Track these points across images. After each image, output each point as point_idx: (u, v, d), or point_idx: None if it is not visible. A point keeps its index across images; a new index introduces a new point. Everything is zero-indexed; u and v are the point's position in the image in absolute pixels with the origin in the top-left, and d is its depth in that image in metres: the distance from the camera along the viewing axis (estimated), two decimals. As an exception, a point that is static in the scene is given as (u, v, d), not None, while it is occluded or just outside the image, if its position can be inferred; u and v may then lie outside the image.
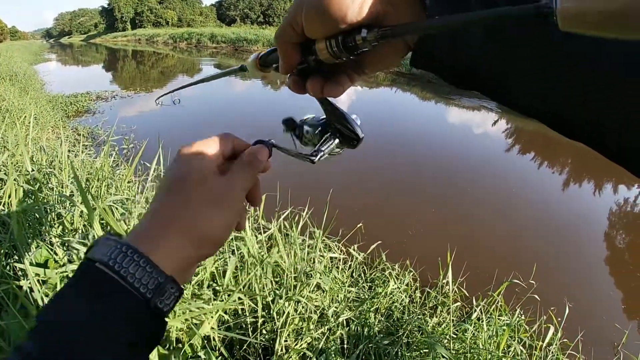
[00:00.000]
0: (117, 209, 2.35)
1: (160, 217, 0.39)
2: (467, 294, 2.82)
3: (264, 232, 2.60)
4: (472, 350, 2.12)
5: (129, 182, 3.11)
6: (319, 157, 0.52)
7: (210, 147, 0.44)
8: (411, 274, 2.88)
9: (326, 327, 2.14)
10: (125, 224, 2.23)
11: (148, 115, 8.77)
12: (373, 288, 2.68)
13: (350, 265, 2.83)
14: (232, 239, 2.35)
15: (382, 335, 2.24)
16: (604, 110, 0.31)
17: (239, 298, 2.01)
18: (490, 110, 10.77)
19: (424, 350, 2.11)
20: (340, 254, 2.83)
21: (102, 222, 2.05)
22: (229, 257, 2.14)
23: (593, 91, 0.31)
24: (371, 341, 2.17)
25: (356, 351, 2.07)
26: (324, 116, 0.55)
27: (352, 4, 0.35)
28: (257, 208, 2.69)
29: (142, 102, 10.19)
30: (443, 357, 1.98)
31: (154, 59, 22.69)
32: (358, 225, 3.11)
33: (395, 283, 2.67)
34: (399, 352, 2.12)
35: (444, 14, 0.34)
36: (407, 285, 2.75)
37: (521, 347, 2.30)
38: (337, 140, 0.53)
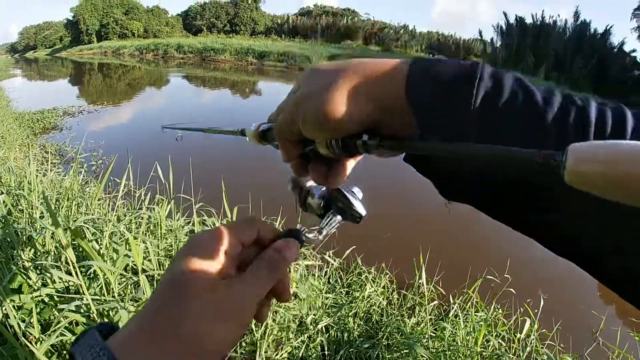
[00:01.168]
0: (88, 229, 2.31)
1: (152, 329, 0.33)
2: (443, 292, 2.86)
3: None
4: (451, 348, 2.16)
5: (99, 199, 3.07)
6: (323, 235, 0.51)
7: (225, 239, 0.39)
8: (387, 276, 2.92)
9: (306, 335, 2.15)
10: (98, 244, 2.21)
11: (116, 129, 8.69)
12: (350, 293, 2.71)
13: (326, 271, 2.86)
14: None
15: (362, 339, 2.26)
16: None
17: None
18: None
19: (404, 351, 2.14)
20: (315, 261, 2.85)
21: (75, 243, 2.02)
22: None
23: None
24: (352, 346, 2.18)
25: (337, 357, 2.09)
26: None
27: (350, 115, 0.35)
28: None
29: (109, 116, 10.09)
30: (423, 356, 2.01)
31: (120, 71, 22.31)
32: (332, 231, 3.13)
33: (372, 286, 2.70)
34: (380, 355, 2.14)
35: (434, 133, 0.34)
36: (383, 287, 2.78)
37: (500, 341, 2.35)
38: (339, 218, 0.52)
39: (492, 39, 31.12)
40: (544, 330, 2.53)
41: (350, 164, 0.44)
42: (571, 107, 0.30)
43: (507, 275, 2.86)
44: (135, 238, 2.23)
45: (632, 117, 0.30)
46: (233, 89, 15.91)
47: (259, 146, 0.51)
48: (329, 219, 0.51)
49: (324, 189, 0.54)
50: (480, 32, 40.15)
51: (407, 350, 2.12)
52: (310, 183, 0.55)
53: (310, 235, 0.49)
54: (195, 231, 2.40)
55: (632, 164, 0.20)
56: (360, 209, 0.50)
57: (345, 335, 2.28)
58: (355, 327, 2.35)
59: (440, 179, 0.39)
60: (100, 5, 35.59)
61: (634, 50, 30.26)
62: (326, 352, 2.16)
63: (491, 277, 2.68)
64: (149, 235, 2.62)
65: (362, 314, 2.48)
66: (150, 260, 2.22)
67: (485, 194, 0.37)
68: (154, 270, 2.18)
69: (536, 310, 2.48)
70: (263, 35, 36.23)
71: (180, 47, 23.96)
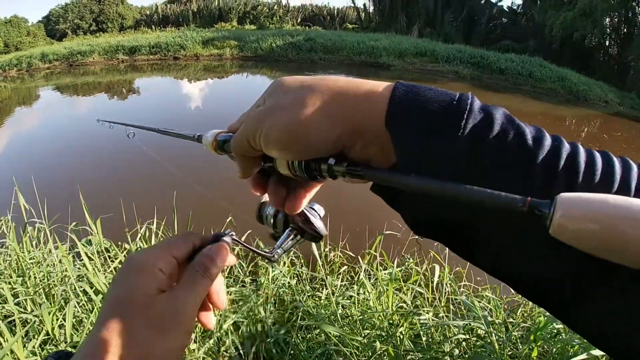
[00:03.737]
0: None
1: (98, 349, 0.33)
2: (352, 255, 2.79)
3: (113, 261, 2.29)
4: (365, 315, 2.06)
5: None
6: (278, 255, 0.49)
7: (161, 255, 0.39)
8: (291, 252, 2.75)
9: (211, 341, 1.94)
10: None
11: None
12: (257, 280, 2.51)
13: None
14: (75, 279, 2.02)
15: (277, 326, 2.12)
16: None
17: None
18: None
19: (317, 331, 2.02)
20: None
21: None
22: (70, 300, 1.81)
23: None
24: (268, 336, 2.03)
25: (253, 351, 1.94)
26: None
27: (318, 136, 0.33)
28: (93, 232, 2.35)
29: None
30: (332, 334, 1.88)
31: (-16, 97, 19.71)
32: (228, 219, 2.89)
33: (277, 267, 2.53)
34: (299, 337, 2.01)
35: (414, 166, 0.31)
36: (291, 264, 2.62)
37: (419, 289, 2.29)
38: (298, 237, 0.49)
39: (364, 5, 32.07)
40: (458, 268, 2.52)
41: (313, 189, 0.42)
42: (562, 150, 0.29)
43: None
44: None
45: (619, 163, 0.29)
46: (109, 92, 14.70)
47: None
48: (287, 238, 0.49)
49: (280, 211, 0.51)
50: (352, 0, 41.10)
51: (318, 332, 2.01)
52: (268, 209, 0.52)
53: (267, 254, 0.48)
54: (60, 257, 2.07)
55: (627, 225, 0.20)
56: (321, 229, 0.48)
57: (259, 326, 2.11)
58: (267, 315, 2.18)
59: (412, 216, 0.36)
60: (-46, 25, 31.24)
61: (500, 0, 32.72)
62: (241, 351, 1.97)
63: (390, 232, 2.61)
64: (11, 274, 2.24)
65: (273, 299, 2.31)
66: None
67: (463, 241, 0.34)
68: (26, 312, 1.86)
69: (446, 251, 2.46)
70: (133, 30, 34.22)
71: (45, 56, 21.54)
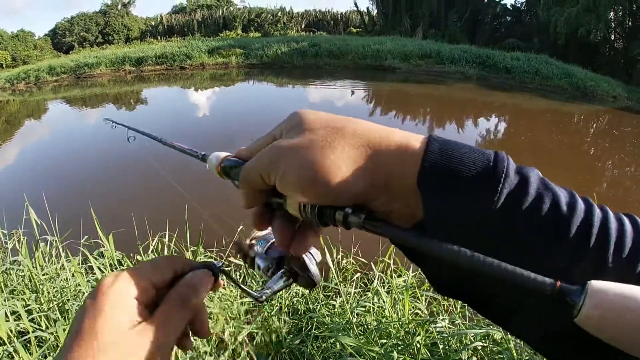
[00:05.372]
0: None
1: None
2: (364, 261, 2.77)
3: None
4: (380, 325, 2.04)
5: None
6: (267, 296, 0.45)
7: (138, 281, 0.35)
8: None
9: (227, 354, 1.93)
10: None
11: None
12: (269, 290, 2.50)
13: (237, 275, 2.62)
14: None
15: (292, 336, 2.11)
16: None
17: None
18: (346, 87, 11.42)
19: (331, 341, 2.01)
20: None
21: None
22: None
23: None
24: (282, 346, 2.02)
25: None
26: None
27: (342, 187, 0.31)
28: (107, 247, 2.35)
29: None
30: (349, 345, 1.87)
31: (-5, 109, 19.92)
32: (239, 228, 2.89)
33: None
34: (314, 346, 1.99)
35: (443, 227, 0.30)
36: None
37: (433, 296, 2.27)
38: (290, 281, 0.46)
39: (367, 9, 32.10)
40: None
41: (315, 236, 0.39)
42: (594, 219, 0.28)
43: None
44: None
45: None
46: (117, 103, 14.82)
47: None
48: (279, 280, 0.46)
49: (272, 249, 0.48)
50: (355, 4, 41.28)
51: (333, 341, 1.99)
52: (256, 248, 0.49)
53: (255, 294, 0.44)
54: (72, 271, 2.08)
55: None
56: (317, 276, 0.45)
57: (274, 336, 2.10)
58: (282, 325, 2.17)
59: (435, 275, 0.35)
60: (-39, 39, 31.84)
61: (504, -2, 32.54)
62: (256, 362, 1.96)
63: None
64: (23, 289, 2.25)
65: (286, 309, 2.30)
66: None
67: (490, 308, 0.34)
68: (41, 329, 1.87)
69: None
70: (138, 41, 34.52)
71: (52, 69, 21.67)
